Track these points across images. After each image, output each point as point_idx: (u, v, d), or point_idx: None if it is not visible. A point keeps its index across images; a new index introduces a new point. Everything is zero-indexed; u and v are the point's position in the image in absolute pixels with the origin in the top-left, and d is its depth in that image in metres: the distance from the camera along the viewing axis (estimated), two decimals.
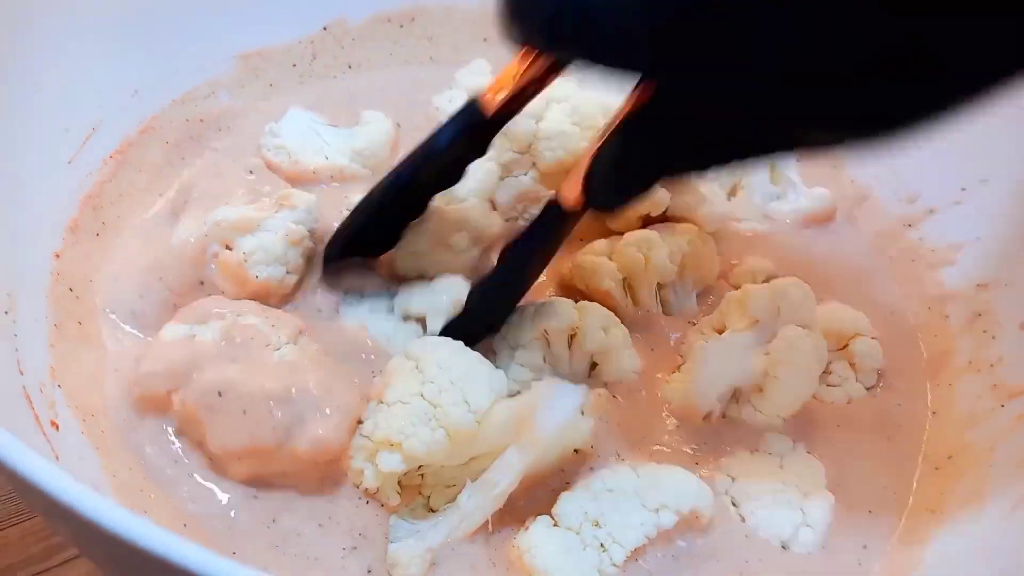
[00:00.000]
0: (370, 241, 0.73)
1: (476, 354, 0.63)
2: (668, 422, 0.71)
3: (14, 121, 0.67)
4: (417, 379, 0.61)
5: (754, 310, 0.70)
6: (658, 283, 0.78)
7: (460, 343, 0.64)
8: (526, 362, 0.69)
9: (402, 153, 0.73)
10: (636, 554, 0.61)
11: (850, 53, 0.39)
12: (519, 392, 0.64)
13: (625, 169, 0.57)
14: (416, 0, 0.98)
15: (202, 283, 0.71)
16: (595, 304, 0.72)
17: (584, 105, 0.80)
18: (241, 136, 0.86)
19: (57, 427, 0.57)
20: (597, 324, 0.70)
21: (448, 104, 0.93)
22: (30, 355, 0.60)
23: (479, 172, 0.80)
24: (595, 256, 0.77)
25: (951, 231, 0.83)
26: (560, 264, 0.79)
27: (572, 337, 0.70)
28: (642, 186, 0.58)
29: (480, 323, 0.70)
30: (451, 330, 0.69)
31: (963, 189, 0.82)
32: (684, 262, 0.78)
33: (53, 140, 0.72)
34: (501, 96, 0.64)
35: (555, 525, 0.61)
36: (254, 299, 0.69)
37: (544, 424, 0.59)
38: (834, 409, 0.74)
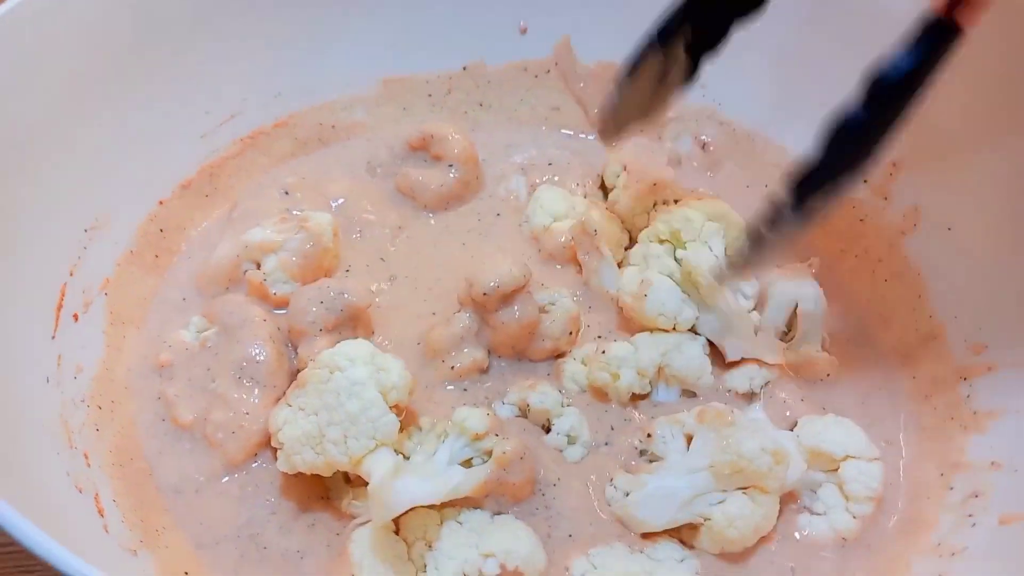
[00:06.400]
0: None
1: (375, 393, 0.65)
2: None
3: (160, 98, 0.87)
4: (319, 396, 0.65)
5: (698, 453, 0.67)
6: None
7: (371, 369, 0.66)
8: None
9: None
10: None
11: None
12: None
13: None
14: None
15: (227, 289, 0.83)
16: None
17: None
18: (358, 150, 1.00)
19: (76, 318, 0.75)
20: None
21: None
22: (89, 267, 0.79)
23: None
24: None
25: (997, 396, 0.70)
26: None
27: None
28: None
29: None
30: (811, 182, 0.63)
31: None
32: (663, 371, 0.77)
33: (191, 118, 0.91)
34: None
35: (397, 531, 0.65)
36: (277, 309, 0.80)
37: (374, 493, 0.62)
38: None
